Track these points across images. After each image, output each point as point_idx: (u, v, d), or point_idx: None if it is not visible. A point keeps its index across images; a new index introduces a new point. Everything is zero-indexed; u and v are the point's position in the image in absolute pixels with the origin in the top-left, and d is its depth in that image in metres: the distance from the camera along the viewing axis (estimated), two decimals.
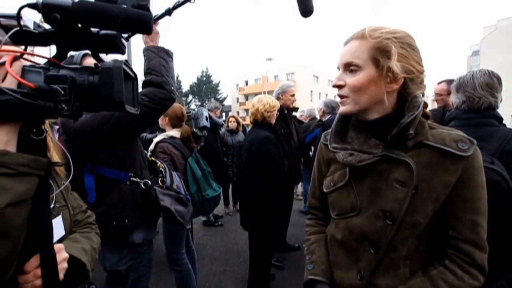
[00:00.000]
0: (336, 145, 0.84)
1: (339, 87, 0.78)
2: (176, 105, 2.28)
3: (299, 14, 1.17)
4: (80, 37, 0.49)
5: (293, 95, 2.95)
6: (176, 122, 2.24)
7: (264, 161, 2.06)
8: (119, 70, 0.49)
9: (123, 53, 0.55)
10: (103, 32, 0.51)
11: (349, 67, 0.75)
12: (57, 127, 1.69)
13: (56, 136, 1.70)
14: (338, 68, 0.80)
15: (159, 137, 2.15)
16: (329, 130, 0.91)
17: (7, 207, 0.44)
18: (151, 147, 2.08)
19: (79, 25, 0.47)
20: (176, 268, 2.13)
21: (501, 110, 1.34)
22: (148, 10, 0.48)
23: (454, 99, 1.38)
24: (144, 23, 0.48)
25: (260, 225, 2.15)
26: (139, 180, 1.36)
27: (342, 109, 0.80)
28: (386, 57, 0.71)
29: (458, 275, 0.69)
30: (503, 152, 1.13)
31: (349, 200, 0.81)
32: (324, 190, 0.91)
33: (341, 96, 0.78)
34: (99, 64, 0.51)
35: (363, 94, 0.74)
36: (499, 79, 1.30)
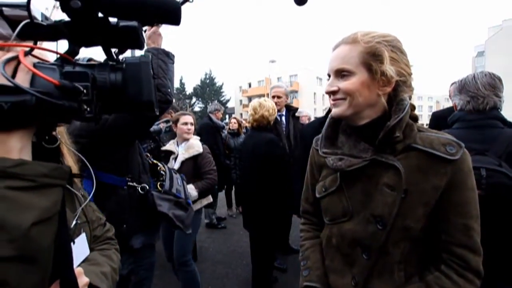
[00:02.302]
0: (327, 150, 0.84)
1: (333, 93, 0.78)
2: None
3: (293, 2, 1.14)
4: (98, 29, 0.43)
5: (274, 97, 2.83)
6: None
7: (270, 163, 2.06)
8: (147, 66, 0.44)
9: (143, 47, 0.49)
10: (122, 23, 0.44)
11: (340, 73, 0.75)
12: None
13: None
14: (329, 75, 0.80)
15: (196, 140, 2.42)
16: (320, 135, 0.90)
17: (32, 226, 0.37)
18: (199, 149, 2.33)
19: (100, 15, 0.41)
20: (184, 269, 2.18)
21: (504, 113, 1.34)
22: None
23: (457, 101, 1.38)
24: (175, 13, 0.43)
25: (263, 227, 2.14)
26: (136, 185, 1.36)
27: (335, 111, 0.79)
28: (378, 61, 0.71)
29: (454, 279, 0.68)
30: (509, 154, 1.12)
31: (341, 205, 0.81)
32: (317, 195, 0.91)
33: (336, 99, 0.78)
34: (120, 59, 0.46)
35: (358, 97, 0.74)
36: (500, 80, 1.31)
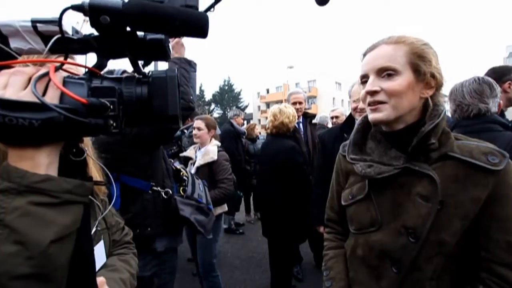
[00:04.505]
0: (355, 156, 0.81)
1: (373, 94, 0.72)
2: (212, 118, 2.54)
3: (315, 3, 1.14)
4: (126, 43, 0.43)
5: (295, 103, 2.73)
6: (215, 134, 2.44)
7: (292, 170, 2.06)
8: (173, 80, 0.44)
9: (169, 59, 0.49)
10: (150, 36, 0.45)
11: (384, 72, 0.70)
12: None
13: None
14: (365, 75, 0.75)
15: (213, 147, 2.31)
16: (347, 141, 0.88)
17: (51, 244, 0.37)
18: (214, 156, 2.22)
19: (128, 29, 0.41)
20: (209, 278, 2.21)
21: None
22: (197, 10, 0.43)
23: (448, 108, 1.41)
24: (203, 26, 0.42)
25: (283, 234, 2.13)
26: (160, 189, 1.39)
27: (376, 116, 0.72)
28: (426, 62, 0.69)
29: None
30: None
31: (369, 215, 0.78)
32: (342, 203, 0.88)
33: (376, 102, 0.72)
34: (146, 73, 0.46)
35: (403, 99, 0.69)
36: (490, 85, 1.29)
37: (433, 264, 0.68)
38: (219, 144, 2.38)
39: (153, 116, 0.44)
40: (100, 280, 0.63)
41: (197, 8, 0.42)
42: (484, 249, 0.66)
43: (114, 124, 0.40)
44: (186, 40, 1.46)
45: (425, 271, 0.69)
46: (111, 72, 1.30)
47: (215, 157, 2.23)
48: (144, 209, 1.35)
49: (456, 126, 1.34)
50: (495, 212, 0.65)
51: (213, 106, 45.54)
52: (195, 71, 1.44)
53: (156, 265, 1.44)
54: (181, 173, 1.67)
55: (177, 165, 1.94)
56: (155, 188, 1.38)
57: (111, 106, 0.40)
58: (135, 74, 0.47)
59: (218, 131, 3.45)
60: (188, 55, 1.44)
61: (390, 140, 0.76)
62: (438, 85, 0.72)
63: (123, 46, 0.44)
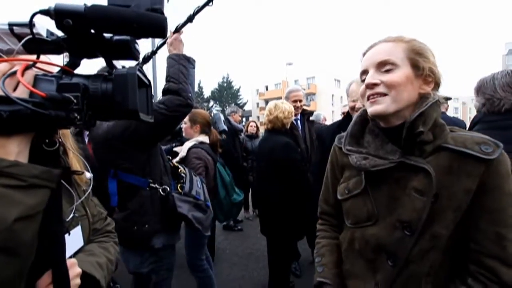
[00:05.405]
0: (351, 148, 0.81)
1: (373, 86, 0.72)
2: (203, 111, 2.37)
3: None
4: (93, 44, 0.48)
5: (295, 101, 2.66)
6: (206, 128, 2.28)
7: (287, 167, 2.05)
8: (133, 77, 0.47)
9: (137, 59, 0.53)
10: (116, 37, 0.49)
11: (383, 66, 0.72)
12: (86, 132, 1.79)
13: (86, 140, 1.79)
14: (365, 71, 0.76)
15: (190, 143, 2.14)
16: (344, 133, 0.88)
17: (16, 221, 0.41)
18: (183, 153, 2.08)
19: (92, 31, 0.45)
20: (198, 274, 2.18)
21: None
22: (162, 13, 0.46)
23: (475, 103, 1.35)
24: (159, 27, 0.46)
25: (281, 232, 2.13)
26: (158, 186, 1.39)
27: (375, 108, 0.72)
28: (424, 58, 0.71)
29: None
30: None
31: (365, 209, 0.78)
32: (338, 197, 0.88)
33: (376, 95, 0.72)
34: (112, 71, 0.49)
35: (402, 92, 0.70)
36: None
37: (429, 260, 0.68)
38: (203, 140, 2.20)
39: (116, 110, 0.48)
40: (71, 261, 0.65)
41: (162, 11, 0.46)
42: (473, 241, 0.66)
43: (78, 117, 0.44)
44: (185, 37, 1.43)
45: (420, 266, 0.69)
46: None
47: (184, 154, 2.08)
48: (142, 206, 1.35)
49: (480, 121, 1.28)
50: (487, 203, 0.64)
51: (212, 103, 45.39)
52: (193, 68, 1.43)
53: (154, 262, 1.44)
54: (179, 170, 1.66)
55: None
56: (152, 185, 1.38)
57: (75, 100, 0.43)
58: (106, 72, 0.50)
59: (224, 127, 3.41)
60: (187, 51, 1.43)
61: (387, 135, 0.76)
62: (436, 82, 0.73)
63: (90, 46, 0.48)
